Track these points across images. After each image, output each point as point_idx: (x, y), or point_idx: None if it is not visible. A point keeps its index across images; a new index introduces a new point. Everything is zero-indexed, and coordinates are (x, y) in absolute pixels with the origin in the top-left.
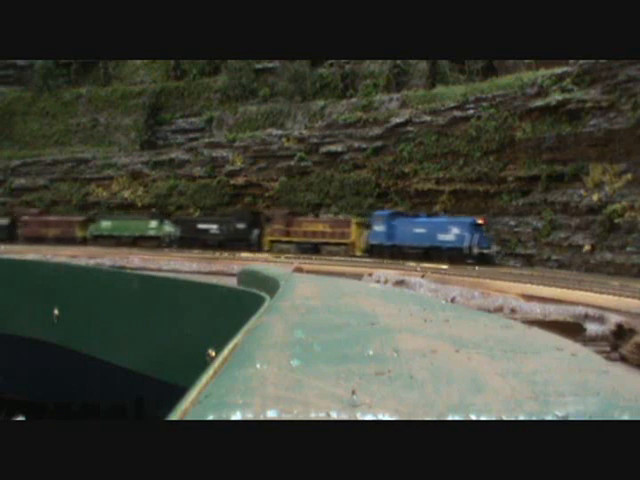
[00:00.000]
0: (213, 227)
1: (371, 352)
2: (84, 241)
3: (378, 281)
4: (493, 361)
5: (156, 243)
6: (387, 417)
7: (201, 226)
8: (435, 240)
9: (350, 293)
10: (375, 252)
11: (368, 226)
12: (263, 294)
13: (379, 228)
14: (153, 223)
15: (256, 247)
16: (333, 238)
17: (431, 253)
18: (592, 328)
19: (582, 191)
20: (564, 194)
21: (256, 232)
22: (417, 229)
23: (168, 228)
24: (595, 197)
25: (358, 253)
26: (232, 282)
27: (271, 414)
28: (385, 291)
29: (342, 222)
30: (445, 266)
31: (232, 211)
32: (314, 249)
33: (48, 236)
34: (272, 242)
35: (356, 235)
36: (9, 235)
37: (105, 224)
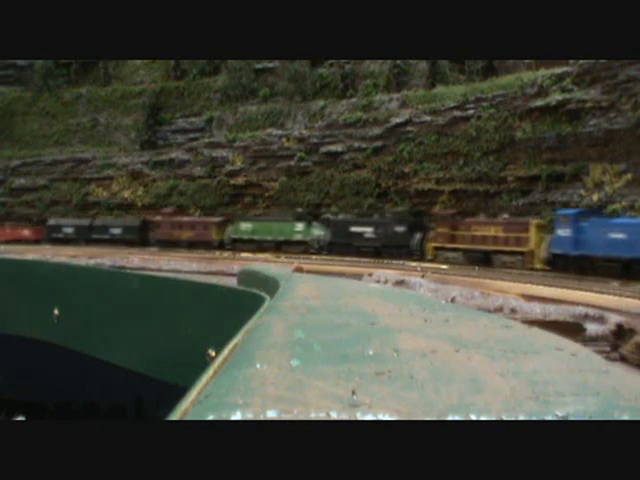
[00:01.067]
0: (368, 230)
1: (371, 352)
2: (221, 246)
3: (378, 281)
4: (493, 361)
5: (303, 249)
6: (387, 417)
7: (354, 229)
8: (637, 250)
9: (350, 293)
10: (559, 265)
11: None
12: (263, 294)
13: (564, 232)
14: (299, 225)
15: (418, 255)
16: (507, 245)
17: (634, 268)
18: (592, 328)
19: (582, 191)
20: (564, 194)
21: (418, 237)
22: (614, 234)
23: (317, 231)
24: (595, 197)
25: (537, 265)
26: (232, 282)
27: (271, 414)
28: (385, 291)
29: (518, 224)
30: (445, 266)
31: (390, 210)
32: (485, 259)
33: (181, 239)
34: (436, 249)
35: (536, 241)
36: (140, 238)
37: (245, 226)
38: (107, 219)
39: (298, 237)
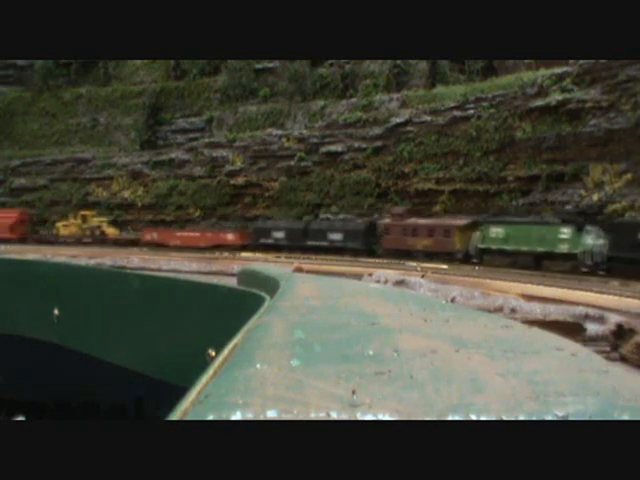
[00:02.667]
0: None
1: (371, 352)
2: (466, 258)
3: (378, 281)
4: (493, 361)
5: (570, 265)
6: (387, 417)
7: None
8: None
9: (350, 293)
10: None
11: None
12: (263, 294)
13: None
14: (566, 231)
15: None
16: None
17: None
18: (592, 328)
19: (582, 191)
20: (564, 194)
21: None
22: None
23: (591, 240)
24: (595, 197)
25: None
26: (232, 282)
27: (271, 414)
28: (385, 291)
29: None
30: (445, 266)
31: None
32: None
33: (416, 249)
34: None
35: None
36: (365, 245)
37: (495, 231)
38: (324, 222)
39: (564, 248)
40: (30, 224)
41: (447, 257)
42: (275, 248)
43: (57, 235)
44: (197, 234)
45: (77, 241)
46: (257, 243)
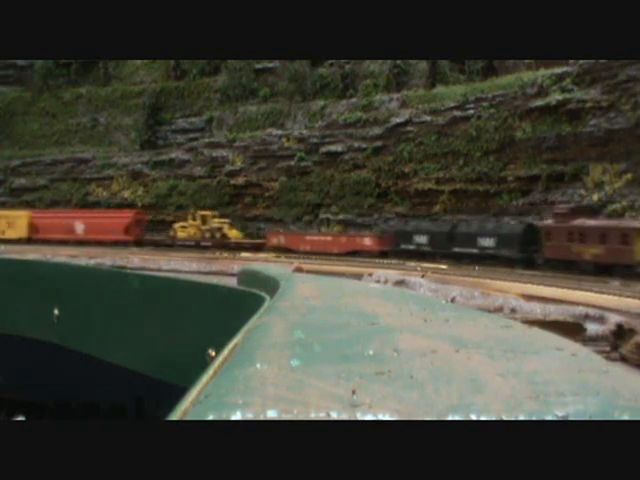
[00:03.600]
0: None
1: (371, 352)
2: None
3: (378, 281)
4: (493, 361)
5: None
6: (387, 417)
7: None
8: None
9: (350, 293)
10: None
11: None
12: (263, 294)
13: None
14: None
15: None
16: None
17: None
18: (592, 328)
19: (582, 191)
20: (564, 194)
21: None
22: None
23: None
24: (595, 197)
25: None
26: (232, 282)
27: (271, 414)
28: (385, 291)
29: None
30: (445, 266)
31: None
32: None
33: (583, 259)
34: None
35: None
36: (523, 252)
37: None
38: (473, 224)
39: None
40: (146, 225)
41: (624, 271)
42: (417, 255)
43: (174, 237)
44: (329, 238)
45: (196, 244)
46: (398, 249)
